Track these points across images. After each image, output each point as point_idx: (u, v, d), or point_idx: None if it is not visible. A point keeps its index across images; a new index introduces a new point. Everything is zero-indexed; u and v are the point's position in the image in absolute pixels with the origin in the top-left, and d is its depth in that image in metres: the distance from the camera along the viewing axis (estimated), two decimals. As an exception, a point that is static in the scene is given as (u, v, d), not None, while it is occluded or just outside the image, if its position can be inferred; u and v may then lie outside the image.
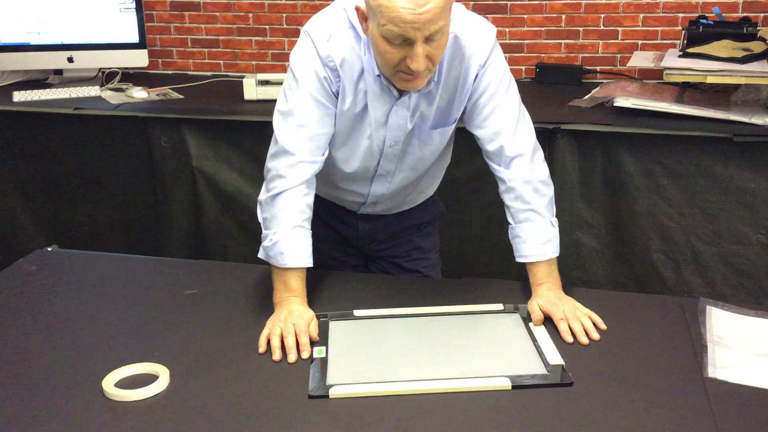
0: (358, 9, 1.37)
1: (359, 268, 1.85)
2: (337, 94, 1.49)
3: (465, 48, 1.48)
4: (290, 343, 1.35)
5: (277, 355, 1.34)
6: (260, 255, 1.52)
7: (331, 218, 1.77)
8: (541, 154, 1.59)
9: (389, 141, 1.55)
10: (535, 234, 1.54)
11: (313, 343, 1.38)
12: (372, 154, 1.57)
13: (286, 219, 1.48)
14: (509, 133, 1.54)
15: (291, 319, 1.40)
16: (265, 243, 1.50)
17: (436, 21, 1.29)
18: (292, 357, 1.33)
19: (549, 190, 1.58)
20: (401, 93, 1.48)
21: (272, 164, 1.51)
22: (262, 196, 1.52)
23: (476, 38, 1.49)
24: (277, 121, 1.52)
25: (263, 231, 1.51)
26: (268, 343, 1.37)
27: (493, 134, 1.54)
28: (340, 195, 1.70)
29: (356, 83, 1.48)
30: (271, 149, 1.53)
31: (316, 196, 1.56)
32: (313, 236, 1.53)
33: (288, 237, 1.47)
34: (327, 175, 1.63)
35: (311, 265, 1.50)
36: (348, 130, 1.54)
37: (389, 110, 1.50)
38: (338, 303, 1.54)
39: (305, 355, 1.34)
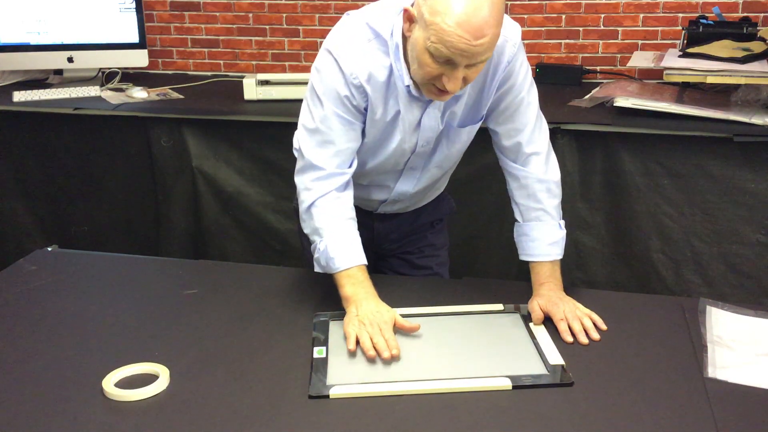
0: (406, 10, 1.35)
1: (368, 269, 1.85)
2: (366, 109, 1.49)
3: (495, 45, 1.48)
4: (380, 343, 1.34)
5: (371, 353, 1.33)
6: (316, 269, 1.52)
7: None
8: (554, 156, 1.59)
9: (421, 142, 1.55)
10: (544, 234, 1.55)
11: (314, 343, 1.38)
12: (404, 153, 1.57)
13: (329, 224, 1.48)
14: (528, 131, 1.54)
15: (376, 323, 1.38)
16: (316, 255, 1.50)
17: (486, 52, 1.29)
18: (386, 354, 1.32)
19: (560, 193, 1.59)
20: None
21: (300, 179, 1.53)
22: (300, 212, 1.53)
23: (505, 35, 1.47)
24: (303, 137, 1.52)
25: (312, 245, 1.52)
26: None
27: (513, 130, 1.55)
28: (364, 193, 1.69)
29: (386, 93, 1.47)
30: (298, 164, 1.53)
31: None
32: None
33: (335, 240, 1.47)
34: (354, 176, 1.62)
35: (365, 263, 1.49)
36: (380, 135, 1.53)
37: (422, 114, 1.50)
38: (339, 303, 1.54)
39: (395, 352, 1.33)
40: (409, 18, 1.35)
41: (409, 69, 1.41)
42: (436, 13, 1.26)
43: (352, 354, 1.36)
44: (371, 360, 1.34)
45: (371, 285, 1.48)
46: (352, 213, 1.52)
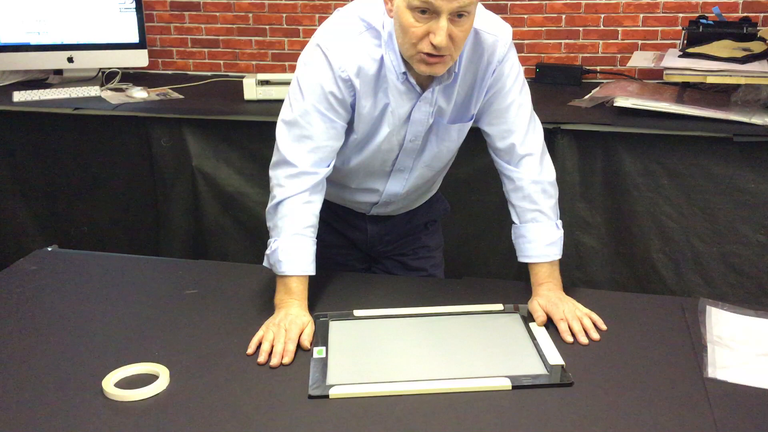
0: None
1: (363, 270, 1.85)
2: (353, 105, 1.48)
3: (485, 43, 1.47)
4: (278, 349, 1.35)
5: (262, 359, 1.34)
6: (264, 263, 1.52)
7: (339, 223, 1.77)
8: (549, 156, 1.59)
9: (410, 136, 1.54)
10: (541, 235, 1.55)
11: (313, 343, 1.38)
12: (391, 149, 1.56)
13: (287, 227, 1.48)
14: (521, 132, 1.54)
15: (284, 323, 1.40)
16: (267, 251, 1.50)
17: None
18: (274, 361, 1.33)
19: (556, 192, 1.58)
20: (423, 89, 1.47)
21: (273, 173, 1.52)
22: (268, 205, 1.52)
23: (496, 35, 1.48)
24: (281, 131, 1.51)
25: (268, 239, 1.52)
26: (259, 345, 1.37)
27: (506, 132, 1.54)
28: (355, 196, 1.69)
29: (375, 86, 1.47)
30: (274, 157, 1.52)
31: (326, 202, 1.56)
32: (321, 242, 1.53)
33: (287, 245, 1.47)
34: (342, 176, 1.63)
35: (311, 273, 1.49)
36: (368, 129, 1.53)
37: (412, 106, 1.49)
38: (338, 303, 1.54)
39: (286, 360, 1.33)
40: None
41: (402, 56, 1.41)
42: None
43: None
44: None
45: (303, 296, 1.48)
46: (316, 219, 1.51)
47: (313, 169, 1.49)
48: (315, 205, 1.51)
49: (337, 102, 1.46)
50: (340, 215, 1.76)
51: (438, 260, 1.88)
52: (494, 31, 1.48)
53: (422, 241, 1.84)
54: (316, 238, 1.52)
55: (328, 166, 1.52)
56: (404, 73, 1.43)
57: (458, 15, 1.30)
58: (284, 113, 1.51)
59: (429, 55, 1.34)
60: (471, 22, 1.35)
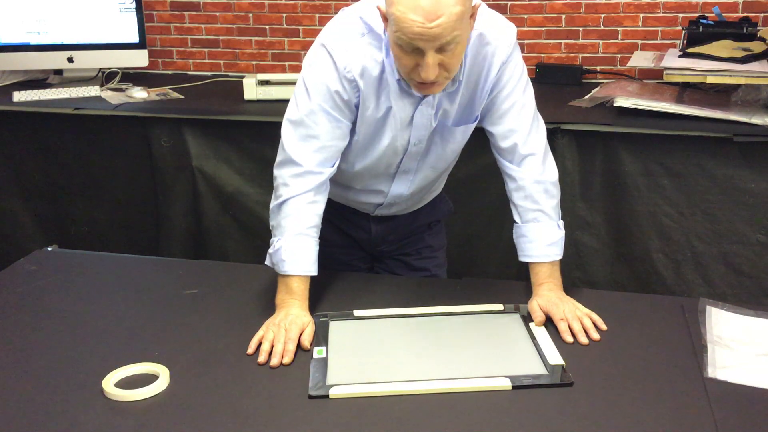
0: (379, 8, 1.35)
1: (366, 270, 1.85)
2: (357, 105, 1.48)
3: (489, 45, 1.47)
4: (278, 349, 1.35)
5: (262, 359, 1.34)
6: (266, 262, 1.52)
7: (343, 222, 1.77)
8: (551, 156, 1.59)
9: (413, 140, 1.54)
10: (542, 235, 1.55)
11: (313, 343, 1.39)
12: (396, 153, 1.56)
13: (290, 226, 1.48)
14: (524, 131, 1.54)
15: (285, 323, 1.40)
16: (270, 250, 1.50)
17: (448, 33, 1.26)
18: (274, 361, 1.33)
19: (558, 193, 1.58)
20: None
21: (278, 172, 1.51)
22: (271, 204, 1.52)
23: (500, 36, 1.48)
24: (286, 130, 1.51)
25: (271, 238, 1.52)
26: (259, 344, 1.38)
27: (508, 131, 1.54)
28: (359, 197, 1.69)
29: (378, 89, 1.46)
30: (279, 156, 1.52)
31: (330, 201, 1.56)
32: (324, 241, 1.53)
33: (290, 244, 1.47)
34: (346, 178, 1.63)
35: (314, 273, 1.49)
36: (371, 133, 1.52)
37: (414, 110, 1.49)
38: (339, 303, 1.54)
39: (286, 360, 1.33)
40: (383, 17, 1.36)
41: None
42: (392, 3, 1.27)
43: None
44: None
45: (304, 296, 1.48)
46: (319, 219, 1.51)
47: (318, 168, 1.49)
48: (319, 205, 1.51)
49: (343, 102, 1.46)
50: (344, 215, 1.76)
51: (441, 260, 1.88)
52: (498, 31, 1.48)
53: (426, 242, 1.84)
54: (320, 237, 1.52)
55: (333, 165, 1.52)
56: (399, 80, 1.43)
57: (446, 46, 1.29)
58: (290, 113, 1.51)
59: (421, 83, 1.35)
60: (462, 46, 1.34)
